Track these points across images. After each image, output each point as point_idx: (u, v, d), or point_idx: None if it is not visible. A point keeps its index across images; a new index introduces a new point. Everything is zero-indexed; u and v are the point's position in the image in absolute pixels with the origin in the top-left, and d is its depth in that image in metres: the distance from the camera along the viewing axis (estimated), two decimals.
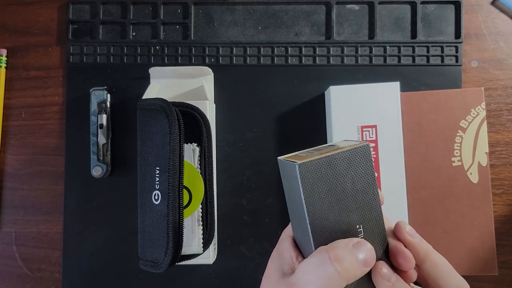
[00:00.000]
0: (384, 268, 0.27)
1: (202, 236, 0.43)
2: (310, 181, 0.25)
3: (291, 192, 0.27)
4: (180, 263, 0.42)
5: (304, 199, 0.25)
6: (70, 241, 0.50)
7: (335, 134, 0.46)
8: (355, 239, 0.26)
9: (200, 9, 0.52)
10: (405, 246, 0.27)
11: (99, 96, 0.50)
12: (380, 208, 0.27)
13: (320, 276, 0.25)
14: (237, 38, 0.52)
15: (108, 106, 0.50)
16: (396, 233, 0.28)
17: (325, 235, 0.26)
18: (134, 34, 0.52)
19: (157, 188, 0.40)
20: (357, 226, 0.27)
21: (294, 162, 0.25)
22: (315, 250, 0.26)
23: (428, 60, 0.51)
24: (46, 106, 0.52)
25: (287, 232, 0.30)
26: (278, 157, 0.28)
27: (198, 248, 0.43)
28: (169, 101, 0.41)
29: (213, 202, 0.45)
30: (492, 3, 0.52)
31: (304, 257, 0.28)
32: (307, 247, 0.27)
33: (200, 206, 0.43)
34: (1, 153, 0.51)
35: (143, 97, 0.46)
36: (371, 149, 0.45)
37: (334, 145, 0.28)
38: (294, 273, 0.26)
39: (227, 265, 0.50)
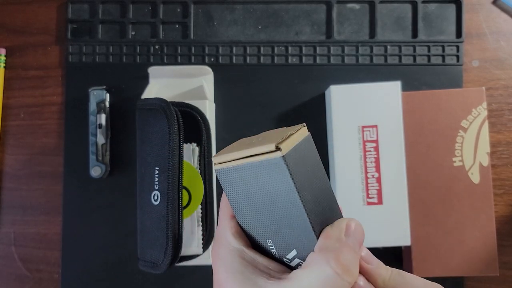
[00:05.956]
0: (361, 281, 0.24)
1: (201, 237, 0.43)
2: (295, 170, 0.23)
3: (257, 194, 0.24)
4: (179, 264, 0.42)
5: (298, 191, 0.23)
6: (69, 242, 0.50)
7: (335, 134, 0.45)
8: (342, 223, 0.24)
9: (199, 8, 0.52)
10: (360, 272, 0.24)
11: (98, 95, 0.50)
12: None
13: None
14: (237, 37, 0.51)
15: (107, 105, 0.50)
16: None
17: (320, 224, 0.24)
18: (133, 33, 0.52)
19: (157, 188, 0.40)
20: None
21: (273, 157, 0.23)
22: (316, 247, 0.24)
23: (429, 60, 0.50)
24: (45, 106, 0.51)
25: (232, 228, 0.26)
26: (218, 166, 0.25)
27: (198, 249, 0.43)
28: (168, 100, 0.40)
29: (212, 202, 0.45)
30: (493, 3, 0.51)
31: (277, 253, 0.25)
32: (294, 243, 0.25)
33: (200, 206, 0.43)
34: None
35: (142, 97, 0.45)
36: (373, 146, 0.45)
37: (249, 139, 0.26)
38: (290, 280, 0.23)
39: None
